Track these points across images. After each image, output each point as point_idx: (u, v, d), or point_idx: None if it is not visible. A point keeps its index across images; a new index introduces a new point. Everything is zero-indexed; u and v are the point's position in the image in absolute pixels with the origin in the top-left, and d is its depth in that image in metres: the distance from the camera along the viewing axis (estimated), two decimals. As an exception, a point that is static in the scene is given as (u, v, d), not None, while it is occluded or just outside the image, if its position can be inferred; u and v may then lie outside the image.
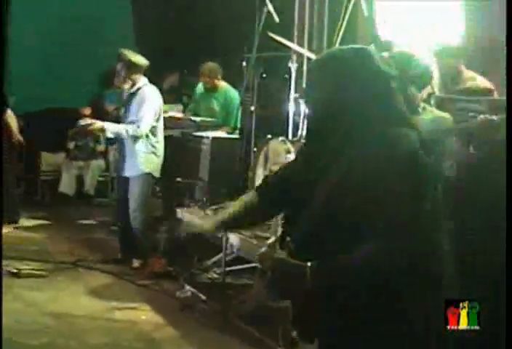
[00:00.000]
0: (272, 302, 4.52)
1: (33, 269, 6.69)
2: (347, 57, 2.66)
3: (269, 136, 6.36)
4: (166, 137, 7.29)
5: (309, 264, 2.45)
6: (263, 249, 2.75)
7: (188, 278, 6.33)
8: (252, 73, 6.91)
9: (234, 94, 8.01)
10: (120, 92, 7.49)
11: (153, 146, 6.92)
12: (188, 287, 6.09)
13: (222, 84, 8.29)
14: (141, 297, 6.13)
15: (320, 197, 2.58)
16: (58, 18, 11.14)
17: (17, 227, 8.67)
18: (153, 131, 6.87)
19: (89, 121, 7.11)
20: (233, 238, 5.87)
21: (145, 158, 6.88)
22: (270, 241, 2.80)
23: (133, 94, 6.90)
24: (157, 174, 7.02)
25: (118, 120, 7.03)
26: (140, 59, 6.88)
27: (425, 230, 2.45)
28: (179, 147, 7.67)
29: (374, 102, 2.59)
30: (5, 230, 8.40)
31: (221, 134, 7.66)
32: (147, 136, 6.84)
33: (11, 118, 8.82)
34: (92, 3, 11.24)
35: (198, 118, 7.94)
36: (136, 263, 6.94)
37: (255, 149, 6.62)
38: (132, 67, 6.83)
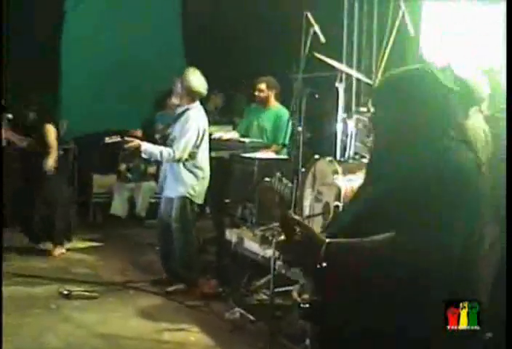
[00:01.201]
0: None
1: (84, 290, 6.75)
2: (414, 78, 2.76)
3: (316, 156, 6.33)
4: (214, 159, 7.30)
5: (327, 240, 2.51)
6: None
7: (237, 299, 6.32)
8: (299, 93, 6.89)
9: (285, 113, 7.99)
10: (171, 114, 7.52)
11: (191, 171, 6.87)
12: (237, 308, 6.08)
13: (274, 102, 8.29)
14: (190, 318, 6.13)
15: (373, 195, 2.71)
16: (108, 43, 11.29)
17: (69, 249, 8.75)
18: (192, 155, 6.83)
19: (116, 138, 7.10)
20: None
21: (185, 180, 6.85)
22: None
23: (179, 115, 6.92)
24: (198, 200, 6.98)
25: (165, 141, 7.03)
26: (201, 88, 6.91)
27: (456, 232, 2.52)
28: (227, 168, 7.67)
29: (438, 119, 2.69)
30: (58, 251, 8.53)
31: (269, 154, 7.65)
32: (186, 159, 6.82)
33: (49, 132, 8.87)
34: (141, 29, 11.38)
35: (246, 139, 7.93)
36: (170, 288, 6.91)
37: (303, 169, 6.60)
38: (191, 93, 6.87)
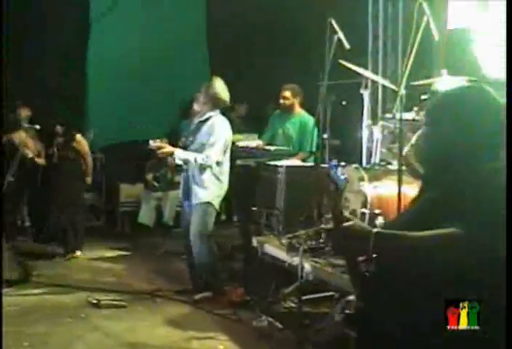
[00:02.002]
0: (348, 331, 4.48)
1: (112, 299, 6.76)
2: (468, 97, 2.81)
3: (343, 163, 6.32)
4: (241, 167, 7.31)
5: (375, 230, 2.54)
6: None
7: (265, 307, 6.31)
8: (324, 100, 6.88)
9: (309, 120, 7.98)
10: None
11: (217, 177, 6.88)
12: (264, 316, 6.07)
13: (299, 109, 8.28)
14: (218, 326, 6.11)
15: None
16: (135, 53, 11.36)
17: (97, 258, 8.80)
18: (218, 162, 6.86)
19: (160, 143, 7.13)
20: (309, 267, 5.83)
21: (209, 187, 6.86)
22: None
23: (202, 123, 6.94)
24: (217, 206, 6.97)
25: (187, 148, 7.04)
26: (226, 97, 6.92)
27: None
28: (254, 176, 7.67)
29: (491, 139, 2.74)
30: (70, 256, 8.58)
31: (295, 162, 7.64)
32: (211, 166, 6.83)
33: (80, 143, 8.95)
34: (167, 37, 11.44)
35: (272, 147, 7.92)
36: (197, 296, 6.89)
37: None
38: (215, 102, 6.89)
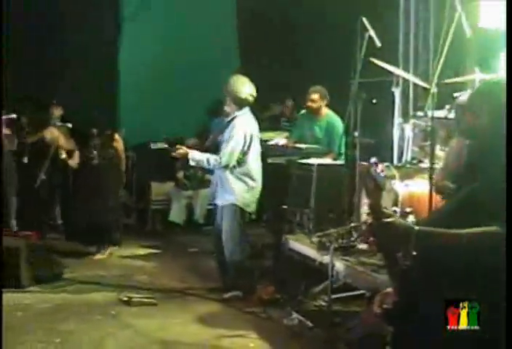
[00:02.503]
0: (379, 330, 4.46)
1: (143, 297, 6.78)
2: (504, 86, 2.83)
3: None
4: (271, 165, 7.30)
5: (417, 227, 2.53)
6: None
7: (296, 306, 6.31)
8: (355, 98, 6.86)
9: (337, 121, 7.97)
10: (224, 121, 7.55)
11: (239, 178, 6.84)
12: (295, 314, 6.07)
13: (326, 111, 8.26)
14: (249, 324, 6.11)
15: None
16: (166, 52, 11.40)
17: (128, 256, 8.84)
18: (240, 162, 6.80)
19: (162, 144, 7.14)
20: (340, 265, 5.83)
21: (234, 188, 6.82)
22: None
23: (228, 123, 6.93)
24: (248, 208, 6.92)
25: (217, 148, 7.03)
26: (245, 95, 6.84)
27: None
28: (284, 174, 7.67)
29: None
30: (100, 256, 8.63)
31: (326, 160, 7.63)
32: (234, 167, 6.80)
33: (118, 142, 9.00)
34: (197, 35, 11.47)
35: (303, 146, 7.91)
36: (227, 294, 6.90)
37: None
38: (237, 101, 6.88)
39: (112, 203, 8.93)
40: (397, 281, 2.83)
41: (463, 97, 5.45)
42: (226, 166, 6.77)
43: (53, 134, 9.97)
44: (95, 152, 8.85)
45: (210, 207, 10.22)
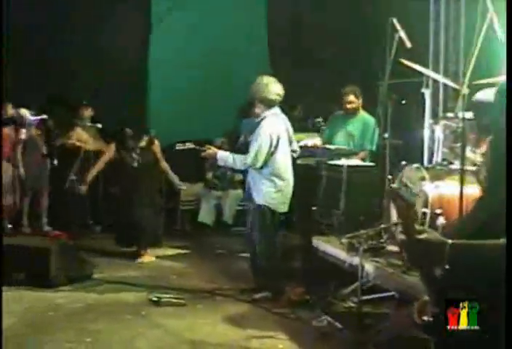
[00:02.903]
0: (409, 332, 4.46)
1: (172, 297, 6.80)
2: None
3: (404, 162, 6.29)
4: (301, 166, 7.29)
5: (450, 241, 2.51)
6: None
7: (325, 307, 6.30)
8: (385, 99, 6.83)
9: (371, 120, 7.93)
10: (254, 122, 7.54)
11: (268, 179, 6.80)
12: (324, 316, 6.05)
13: (360, 110, 8.25)
14: (277, 325, 6.10)
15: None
16: (195, 53, 11.43)
17: (158, 257, 8.88)
18: (268, 162, 6.77)
19: (188, 145, 7.16)
20: (369, 267, 5.82)
21: (263, 189, 6.81)
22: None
23: (258, 124, 6.91)
24: (280, 208, 6.88)
25: (247, 149, 7.02)
26: (271, 95, 6.82)
27: None
28: (314, 175, 7.67)
29: None
30: (148, 259, 8.67)
31: (356, 161, 7.61)
32: (261, 168, 6.79)
33: (156, 146, 9.05)
34: (226, 37, 11.49)
35: (332, 146, 7.89)
36: (257, 295, 6.88)
37: (390, 176, 6.55)
38: (263, 101, 6.88)
39: (152, 205, 8.93)
40: (433, 292, 2.81)
41: (480, 95, 5.44)
42: (253, 167, 6.78)
43: (82, 135, 10.06)
44: (135, 155, 8.87)
45: (239, 208, 10.35)
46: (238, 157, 6.81)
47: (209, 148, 6.99)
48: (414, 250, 2.70)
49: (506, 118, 2.73)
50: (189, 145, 7.20)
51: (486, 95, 5.20)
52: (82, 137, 10.20)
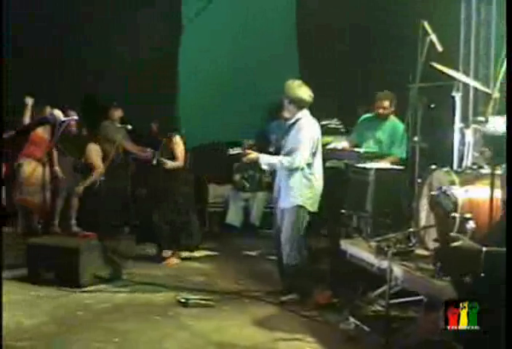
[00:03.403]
0: (437, 337, 4.44)
1: (200, 299, 6.82)
2: None
3: (433, 166, 6.26)
4: (330, 168, 7.28)
5: (484, 249, 2.50)
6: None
7: (352, 310, 6.28)
8: (415, 103, 6.81)
9: (400, 126, 7.90)
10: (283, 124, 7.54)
11: (308, 179, 6.83)
12: (351, 319, 6.04)
13: (391, 115, 8.22)
14: (305, 328, 6.10)
15: None
16: (222, 56, 11.47)
17: (185, 258, 8.90)
18: (308, 164, 6.82)
19: (239, 150, 7.18)
20: (398, 271, 5.80)
21: (299, 190, 6.81)
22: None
23: (292, 125, 6.93)
24: (311, 208, 6.88)
25: (279, 151, 7.05)
26: (304, 95, 6.86)
27: None
28: (342, 178, 7.66)
29: None
30: (173, 261, 8.70)
31: (385, 165, 7.60)
32: (302, 168, 6.81)
33: (178, 143, 9.01)
34: (257, 38, 11.50)
35: (361, 149, 7.88)
36: (284, 297, 6.89)
37: (419, 180, 6.53)
38: (296, 102, 6.88)
39: (175, 206, 8.92)
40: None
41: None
42: (298, 168, 6.79)
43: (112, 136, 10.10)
44: (156, 154, 8.90)
45: (266, 210, 10.35)
46: (284, 159, 6.82)
47: (251, 153, 7.01)
48: (449, 258, 2.67)
49: (506, 118, 2.72)
50: (238, 150, 7.24)
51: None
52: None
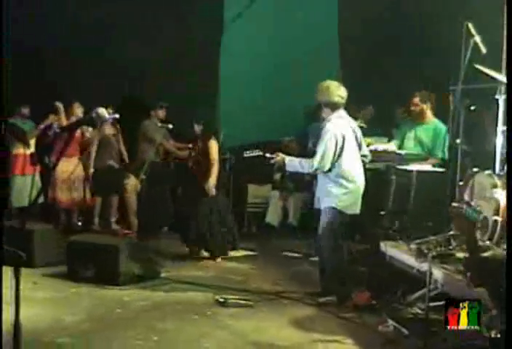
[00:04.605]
0: (475, 342, 4.40)
1: (239, 299, 6.83)
2: None
3: (475, 169, 6.21)
4: (370, 170, 7.25)
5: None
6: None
7: (391, 312, 6.25)
8: (458, 105, 6.76)
9: (443, 128, 7.84)
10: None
11: (337, 180, 6.77)
12: (390, 321, 6.01)
13: (431, 116, 8.13)
14: (343, 329, 6.08)
15: None
16: (266, 54, 11.47)
17: (224, 258, 8.92)
18: (334, 164, 6.75)
19: (256, 152, 7.20)
20: (438, 273, 5.76)
21: (332, 191, 6.79)
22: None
23: (321, 128, 6.93)
24: (349, 210, 6.83)
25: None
26: (338, 96, 6.83)
27: None
28: (383, 180, 7.62)
29: None
30: (216, 259, 8.74)
31: (426, 167, 7.54)
32: (329, 170, 6.76)
33: (213, 147, 9.00)
34: (299, 38, 11.50)
35: (403, 151, 7.84)
36: (322, 299, 6.87)
37: (461, 183, 6.48)
38: (328, 104, 6.87)
39: (209, 207, 8.92)
40: (501, 309, 2.78)
41: None
42: (320, 170, 6.77)
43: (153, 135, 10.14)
44: (193, 155, 8.94)
45: (304, 211, 10.33)
46: (305, 161, 6.82)
47: (278, 155, 7.01)
48: (478, 268, 2.65)
49: (506, 118, 2.69)
50: (257, 152, 7.24)
51: None
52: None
